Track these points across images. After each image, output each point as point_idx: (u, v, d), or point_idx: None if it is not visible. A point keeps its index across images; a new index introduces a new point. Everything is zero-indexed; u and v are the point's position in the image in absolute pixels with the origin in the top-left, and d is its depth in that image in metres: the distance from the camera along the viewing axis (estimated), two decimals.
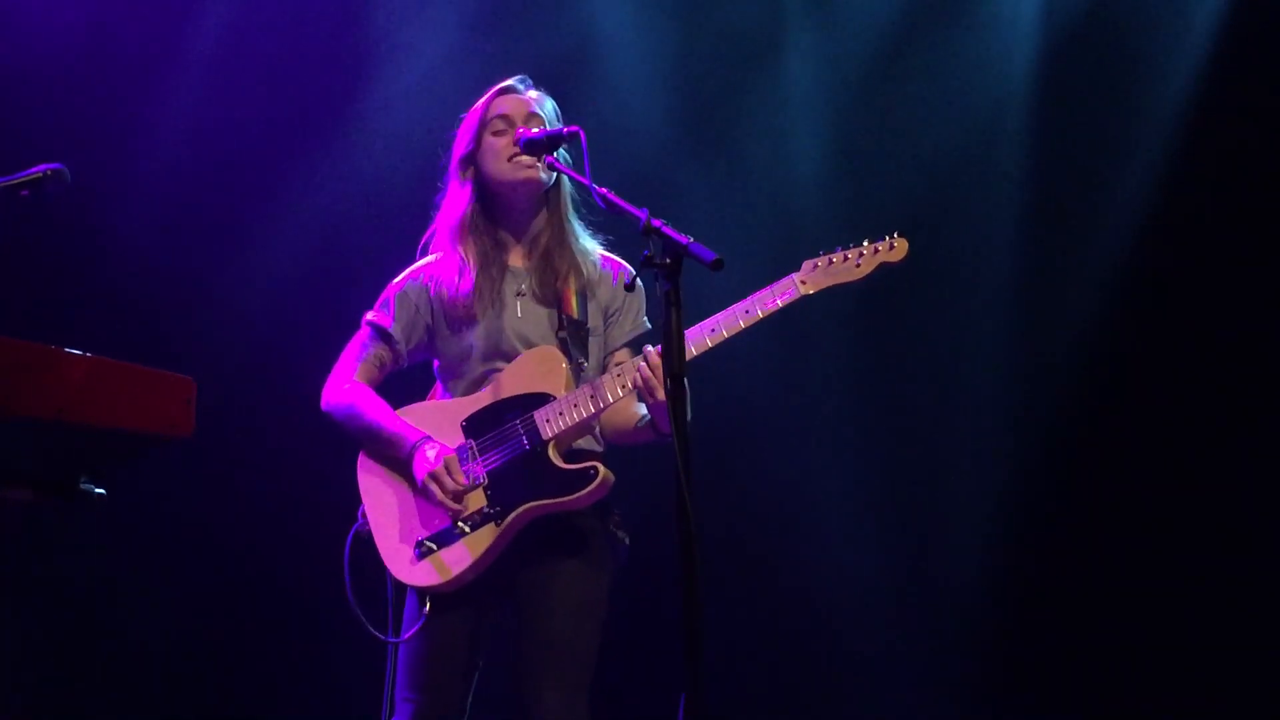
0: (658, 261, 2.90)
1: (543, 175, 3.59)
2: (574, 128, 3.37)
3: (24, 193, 3.05)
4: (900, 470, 5.53)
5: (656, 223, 2.93)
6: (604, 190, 3.16)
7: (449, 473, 3.47)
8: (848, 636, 5.45)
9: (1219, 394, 5.26)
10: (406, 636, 3.50)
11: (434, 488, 3.46)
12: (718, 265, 2.87)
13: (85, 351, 2.36)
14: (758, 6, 5.70)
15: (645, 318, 3.73)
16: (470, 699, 3.57)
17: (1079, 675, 5.30)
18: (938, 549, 5.47)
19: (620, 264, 3.71)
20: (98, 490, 2.53)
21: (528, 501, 3.46)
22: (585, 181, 3.21)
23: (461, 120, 3.74)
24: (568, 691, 3.46)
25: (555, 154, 3.51)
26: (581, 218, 3.72)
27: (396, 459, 3.56)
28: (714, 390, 5.01)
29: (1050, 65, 5.51)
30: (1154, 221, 5.38)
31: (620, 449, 3.68)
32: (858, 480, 5.50)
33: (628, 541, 3.63)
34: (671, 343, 2.87)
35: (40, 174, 3.07)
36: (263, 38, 5.46)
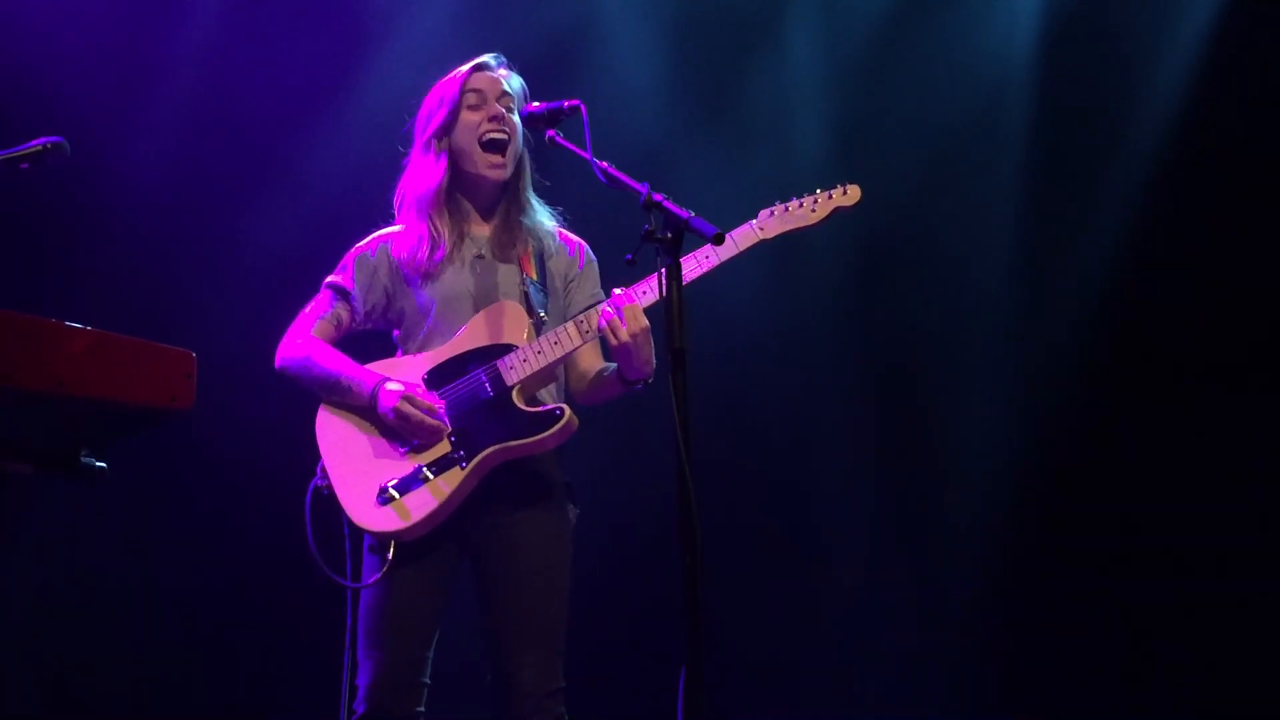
0: (659, 236, 2.90)
1: (508, 173, 3.70)
2: (575, 101, 3.36)
3: (24, 166, 3.06)
4: (902, 452, 5.53)
5: (658, 197, 2.94)
6: (605, 165, 3.16)
7: (418, 396, 3.51)
8: (848, 614, 5.46)
9: (1220, 386, 5.26)
10: (370, 582, 3.48)
11: (407, 408, 3.48)
12: (719, 240, 2.92)
13: (86, 325, 2.36)
14: None
15: (600, 290, 3.76)
16: (432, 654, 3.55)
17: (1079, 674, 5.31)
18: (941, 540, 5.48)
19: (576, 240, 3.81)
20: (99, 464, 2.53)
21: (493, 444, 3.48)
22: (586, 156, 3.20)
23: (430, 89, 3.80)
24: (548, 656, 3.49)
25: (555, 128, 3.50)
26: (538, 192, 3.81)
27: (358, 405, 3.58)
28: (714, 372, 5.04)
29: (1050, 45, 5.50)
30: (1154, 208, 5.38)
31: (591, 409, 3.68)
32: (859, 460, 5.51)
33: (576, 511, 3.66)
34: (672, 316, 2.87)
35: (40, 147, 3.07)
36: (264, 14, 5.45)
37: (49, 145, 3.07)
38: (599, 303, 3.65)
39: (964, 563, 5.42)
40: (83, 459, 2.52)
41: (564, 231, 3.82)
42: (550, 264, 3.73)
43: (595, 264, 3.80)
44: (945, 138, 5.55)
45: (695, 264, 3.43)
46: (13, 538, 4.94)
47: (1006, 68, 5.54)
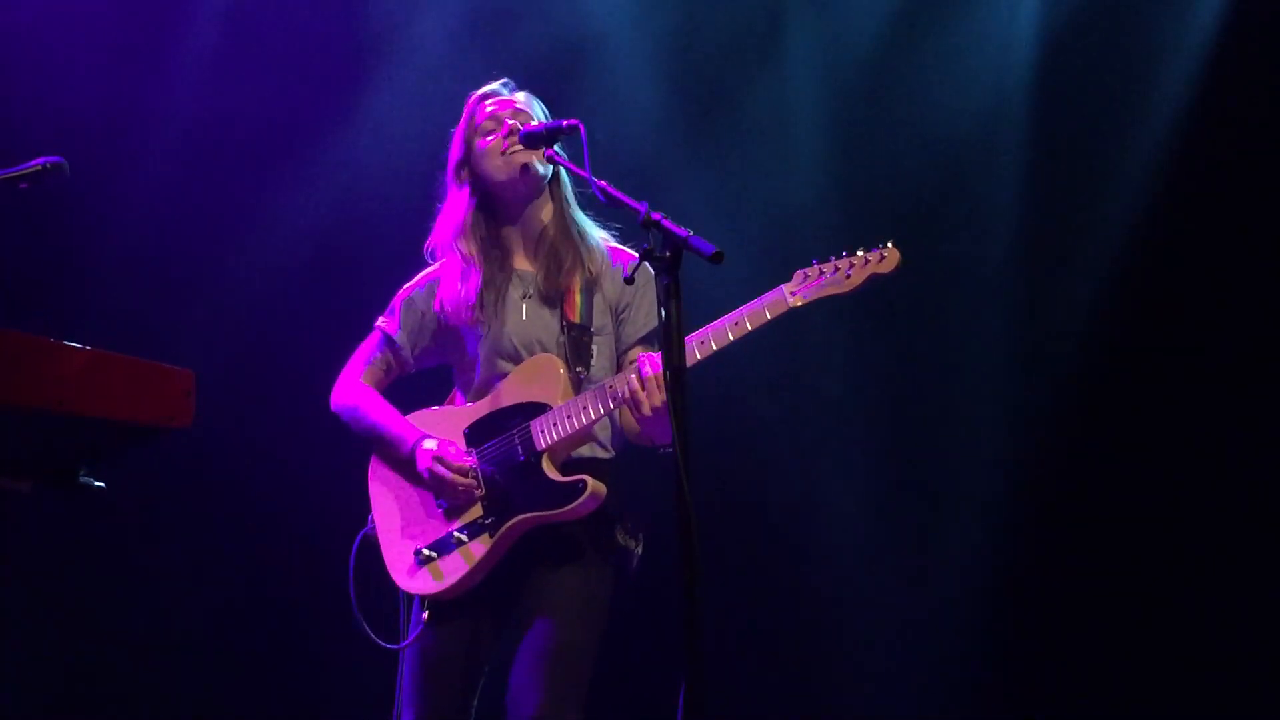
0: (657, 255, 2.89)
1: (538, 164, 3.57)
2: (574, 121, 3.35)
3: (23, 185, 3.06)
4: (902, 465, 5.52)
5: (656, 216, 2.92)
6: (603, 183, 3.13)
7: (452, 454, 3.50)
8: (849, 630, 5.45)
9: (1220, 388, 5.26)
10: (406, 644, 3.52)
11: (440, 470, 3.48)
12: (717, 258, 2.86)
13: (85, 344, 2.36)
14: None
15: (656, 313, 3.60)
16: (475, 702, 3.56)
17: (1080, 672, 5.30)
18: (939, 543, 5.47)
19: (630, 255, 3.66)
20: (97, 482, 2.53)
21: (521, 513, 3.47)
22: (585, 175, 3.18)
23: (452, 134, 3.74)
24: (556, 698, 3.40)
25: (554, 147, 3.50)
26: (588, 210, 3.70)
27: (401, 459, 3.59)
28: (716, 387, 5.03)
29: (1051, 55, 5.50)
30: (1155, 215, 5.37)
31: (636, 451, 3.64)
32: (859, 475, 5.50)
33: (638, 550, 3.59)
34: (670, 337, 2.86)
35: (39, 167, 3.07)
36: (263, 29, 5.46)
37: (48, 165, 3.07)
38: (652, 331, 3.58)
39: (965, 575, 5.41)
40: (81, 477, 2.52)
41: (616, 248, 3.70)
42: (600, 294, 3.63)
43: (652, 285, 3.54)
44: (945, 151, 5.54)
45: (728, 333, 3.34)
46: (12, 555, 4.93)
47: (1005, 80, 5.53)
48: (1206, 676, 5.11)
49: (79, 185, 3.37)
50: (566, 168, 3.53)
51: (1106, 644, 5.27)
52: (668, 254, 2.88)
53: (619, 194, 3.12)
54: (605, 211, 3.69)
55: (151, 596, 5.32)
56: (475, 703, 3.57)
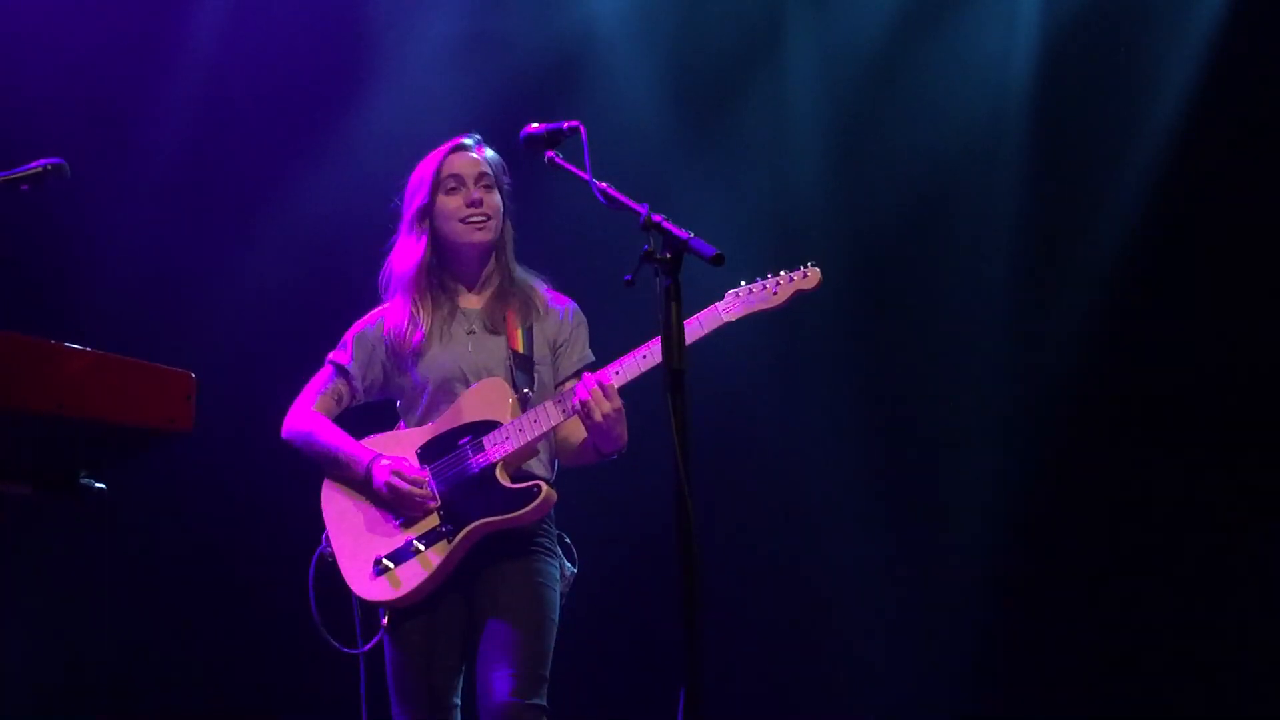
0: (658, 256, 2.91)
1: (492, 237, 3.83)
2: (574, 123, 3.36)
3: (24, 187, 3.06)
4: (899, 466, 5.53)
5: (657, 218, 2.94)
6: (604, 185, 3.15)
7: (407, 469, 3.68)
8: (847, 632, 5.45)
9: (1220, 390, 5.26)
10: (366, 648, 3.70)
11: (397, 482, 3.65)
12: (718, 260, 2.88)
13: (86, 346, 2.36)
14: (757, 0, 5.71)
15: (589, 350, 3.89)
16: (457, 701, 3.73)
17: (1080, 672, 5.31)
18: (937, 544, 5.47)
19: (565, 303, 3.92)
20: (98, 485, 2.54)
21: (477, 519, 3.63)
22: (585, 177, 3.20)
23: (414, 170, 3.93)
24: (530, 673, 3.58)
25: (555, 149, 3.51)
26: (520, 261, 3.93)
27: (355, 479, 3.74)
28: (712, 389, 5.03)
29: (1051, 58, 5.51)
30: (1155, 219, 5.38)
31: (572, 471, 3.85)
32: (856, 476, 5.50)
33: (574, 568, 3.81)
34: (670, 338, 2.87)
35: (40, 169, 3.08)
36: (262, 35, 5.47)
37: (49, 167, 3.08)
38: (585, 365, 3.82)
39: (965, 575, 5.41)
40: (82, 480, 2.52)
41: (553, 293, 3.94)
42: (539, 329, 3.84)
43: (585, 325, 3.91)
44: (945, 154, 5.55)
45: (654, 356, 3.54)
46: (12, 558, 4.94)
47: (1005, 84, 5.54)
48: (1205, 677, 5.11)
49: (80, 187, 3.38)
50: (567, 170, 3.54)
51: (1106, 644, 5.27)
52: (668, 256, 2.90)
53: (619, 196, 3.13)
54: (601, 214, 3.71)
55: (151, 600, 5.31)
56: (457, 700, 3.73)
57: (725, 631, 5.07)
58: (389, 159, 5.39)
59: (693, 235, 2.90)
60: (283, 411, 3.86)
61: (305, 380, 3.97)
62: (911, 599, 5.45)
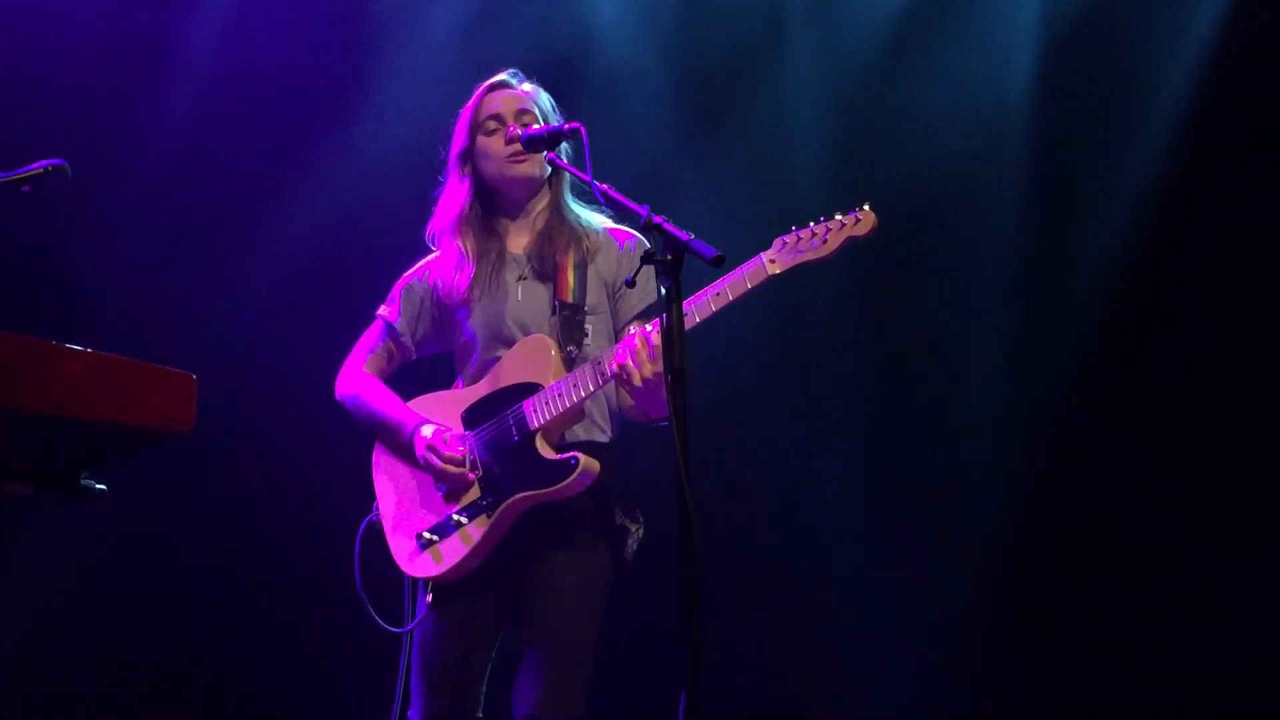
0: (659, 258, 2.90)
1: (537, 171, 3.66)
2: (575, 124, 3.37)
3: (25, 188, 3.06)
4: (899, 467, 5.52)
5: (658, 219, 2.93)
6: (605, 186, 3.15)
7: (445, 443, 3.55)
8: (847, 632, 5.45)
9: (1221, 390, 5.26)
10: (410, 626, 3.57)
11: (432, 458, 3.54)
12: (719, 262, 2.88)
13: (86, 346, 2.36)
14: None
15: (656, 284, 3.50)
16: (484, 690, 3.61)
17: (1080, 672, 5.30)
18: (938, 544, 5.47)
19: (628, 233, 3.71)
20: (98, 485, 2.53)
21: (516, 493, 3.49)
22: (586, 178, 3.21)
23: (458, 117, 3.78)
24: (568, 685, 3.49)
25: (556, 150, 3.52)
26: (591, 205, 3.73)
27: (401, 445, 3.64)
28: (713, 388, 5.03)
29: (1052, 60, 5.50)
30: (1154, 221, 5.37)
31: (635, 436, 3.67)
32: (857, 476, 5.50)
33: (638, 532, 3.61)
34: (671, 338, 2.86)
35: (41, 169, 3.07)
36: (263, 32, 5.47)
37: (50, 167, 3.07)
38: (649, 306, 3.59)
39: (965, 573, 5.41)
40: (82, 480, 2.52)
41: (616, 228, 3.74)
42: (593, 270, 3.65)
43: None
44: (946, 156, 5.54)
45: (710, 304, 3.31)
46: (12, 559, 4.93)
47: (1006, 86, 5.53)
48: (1206, 677, 5.10)
49: (81, 187, 3.37)
50: (568, 171, 3.56)
51: (1105, 644, 5.27)
52: (669, 257, 2.90)
53: (620, 197, 3.14)
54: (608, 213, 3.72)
55: (153, 600, 5.31)
56: (484, 688, 3.60)
57: (725, 631, 5.07)
58: (389, 159, 5.43)
59: (693, 237, 2.90)
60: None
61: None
62: (912, 599, 5.44)
